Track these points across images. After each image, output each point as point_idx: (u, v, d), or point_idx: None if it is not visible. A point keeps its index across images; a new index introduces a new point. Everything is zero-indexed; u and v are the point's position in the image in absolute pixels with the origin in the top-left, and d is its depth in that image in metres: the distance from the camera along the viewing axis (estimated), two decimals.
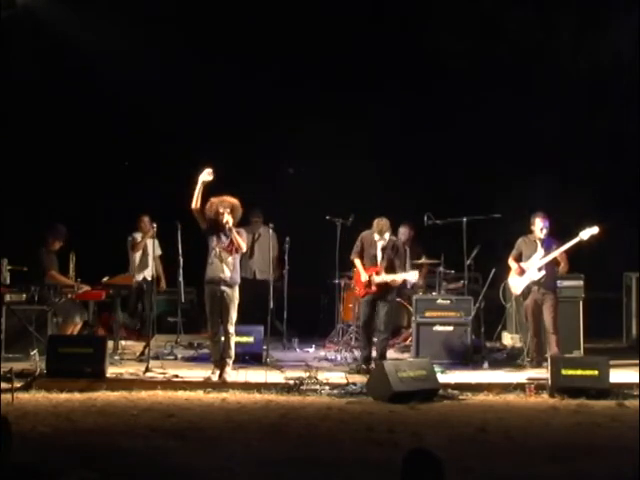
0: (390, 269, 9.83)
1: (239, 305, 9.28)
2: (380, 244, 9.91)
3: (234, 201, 9.16)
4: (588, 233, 9.73)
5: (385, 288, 9.83)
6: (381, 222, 9.85)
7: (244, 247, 9.32)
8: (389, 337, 10.10)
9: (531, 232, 10.13)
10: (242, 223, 11.46)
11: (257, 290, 11.17)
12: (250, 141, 12.80)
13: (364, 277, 9.85)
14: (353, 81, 12.61)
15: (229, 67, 12.52)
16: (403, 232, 11.44)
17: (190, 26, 12.38)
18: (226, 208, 9.06)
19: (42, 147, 12.50)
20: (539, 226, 9.99)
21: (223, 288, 9.08)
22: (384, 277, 9.78)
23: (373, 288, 9.82)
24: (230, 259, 9.11)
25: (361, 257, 9.97)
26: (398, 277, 9.83)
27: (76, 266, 10.80)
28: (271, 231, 11.37)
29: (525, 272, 10.03)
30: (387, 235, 9.86)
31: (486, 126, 12.60)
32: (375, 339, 9.96)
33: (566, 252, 9.85)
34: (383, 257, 9.88)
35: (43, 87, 12.24)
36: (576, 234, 9.78)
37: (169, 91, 12.25)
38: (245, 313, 10.69)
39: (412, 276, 9.96)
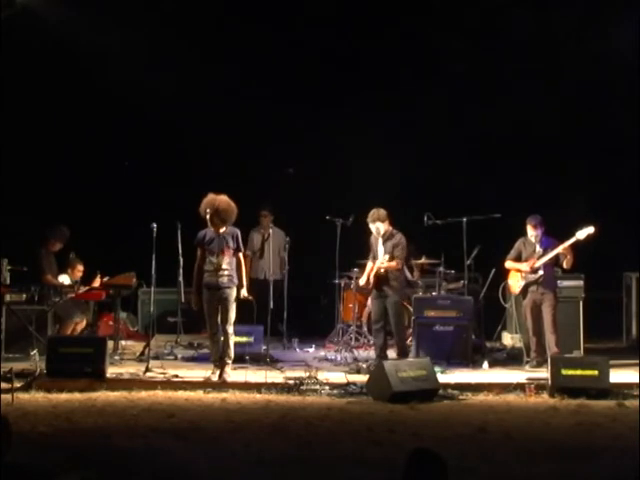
0: (390, 261, 9.89)
1: (249, 306, 9.30)
2: (380, 240, 9.96)
3: (220, 205, 9.05)
4: (584, 233, 9.73)
5: (383, 282, 9.90)
6: (372, 211, 9.95)
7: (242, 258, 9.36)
8: (404, 334, 10.12)
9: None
10: (251, 222, 11.55)
11: (265, 291, 11.12)
12: (250, 141, 12.80)
13: (362, 280, 10.12)
14: (353, 81, 12.62)
15: (229, 67, 12.54)
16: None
17: (190, 25, 12.37)
18: (207, 213, 9.02)
19: (43, 147, 12.50)
20: (530, 233, 10.02)
21: (221, 291, 9.09)
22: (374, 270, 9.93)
23: (371, 281, 9.96)
24: (224, 264, 9.11)
25: (374, 259, 10.10)
26: (377, 265, 9.88)
27: None
28: (278, 230, 11.41)
29: (523, 272, 10.04)
30: (379, 225, 9.90)
31: (486, 126, 12.60)
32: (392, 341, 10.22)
33: (571, 247, 9.85)
34: (384, 251, 9.96)
35: (43, 87, 12.24)
36: (573, 234, 9.79)
37: (169, 90, 12.24)
38: (251, 313, 10.71)
39: (385, 258, 9.90)
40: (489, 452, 6.64)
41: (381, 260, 9.87)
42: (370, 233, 10.14)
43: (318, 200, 12.09)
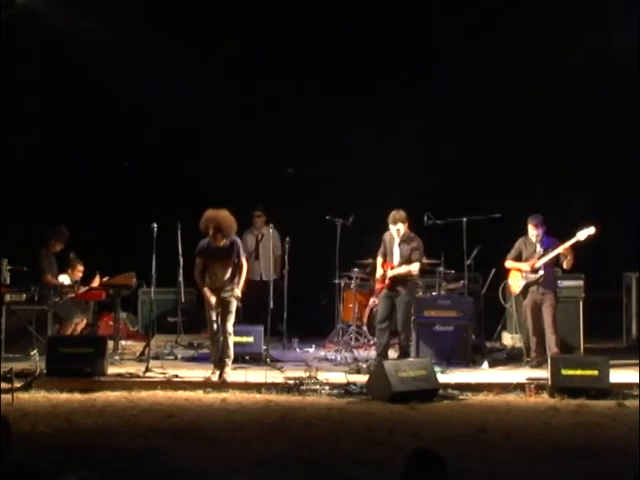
0: (407, 263, 9.92)
1: (245, 306, 9.30)
2: (397, 240, 9.98)
3: (223, 222, 9.07)
4: (585, 233, 9.74)
5: (397, 282, 9.92)
6: (393, 212, 9.96)
7: (245, 268, 9.36)
8: (410, 334, 10.12)
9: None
10: (245, 224, 11.53)
11: (264, 291, 11.13)
12: (250, 141, 12.79)
13: (379, 272, 10.09)
14: (352, 81, 12.61)
15: (229, 66, 12.53)
16: None
17: (190, 24, 12.36)
18: (210, 229, 9.01)
19: (43, 147, 12.50)
20: (531, 233, 10.03)
21: (222, 292, 9.12)
22: (394, 270, 9.92)
23: (386, 282, 9.96)
24: (227, 275, 9.15)
25: (385, 257, 10.13)
26: (402, 269, 9.90)
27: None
28: (272, 230, 11.44)
29: (524, 272, 10.05)
30: (400, 226, 9.92)
31: (486, 126, 12.60)
32: (397, 340, 10.25)
33: (572, 248, 9.86)
34: (400, 252, 9.98)
35: (43, 87, 12.24)
36: (573, 234, 9.79)
37: (169, 90, 12.24)
38: (251, 315, 10.72)
39: (414, 267, 9.97)
40: (489, 452, 6.65)
41: (409, 268, 9.88)
42: (382, 231, 10.15)
43: (318, 200, 12.09)
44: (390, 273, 9.97)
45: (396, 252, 10.04)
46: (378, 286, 10.22)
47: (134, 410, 7.91)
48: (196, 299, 11.93)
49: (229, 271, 9.17)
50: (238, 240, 9.37)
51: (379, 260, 10.20)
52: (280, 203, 12.19)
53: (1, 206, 11.11)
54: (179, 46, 12.22)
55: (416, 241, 10.03)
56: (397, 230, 9.97)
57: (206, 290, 9.15)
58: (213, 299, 9.11)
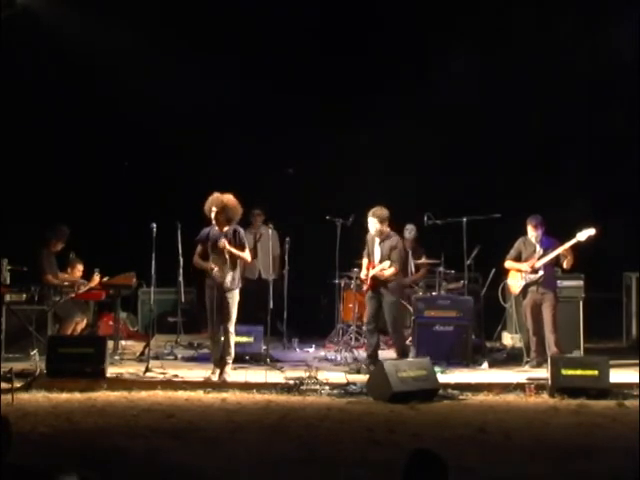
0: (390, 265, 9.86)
1: (243, 305, 9.30)
2: (377, 240, 9.94)
3: (226, 204, 9.05)
4: (585, 234, 9.74)
5: (379, 283, 9.86)
6: (374, 208, 9.86)
7: (247, 256, 9.34)
8: (401, 335, 10.09)
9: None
10: (244, 223, 11.53)
11: (262, 290, 11.15)
12: (250, 141, 12.79)
13: (362, 273, 10.06)
14: (353, 81, 12.62)
15: (229, 66, 12.53)
16: (411, 229, 11.37)
17: (189, 23, 12.37)
18: (213, 211, 8.98)
19: (42, 147, 12.50)
20: (530, 233, 10.03)
21: (223, 293, 9.11)
22: (373, 270, 9.88)
23: (369, 283, 9.92)
24: (229, 263, 9.11)
25: (368, 257, 10.09)
26: (377, 269, 9.84)
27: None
28: (271, 230, 11.44)
29: (523, 272, 10.05)
30: (373, 220, 9.81)
31: (486, 126, 12.60)
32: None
33: (572, 248, 9.86)
34: (381, 251, 9.93)
35: (43, 87, 12.25)
36: (574, 235, 9.80)
37: (169, 90, 12.24)
38: (249, 313, 10.73)
39: (386, 265, 9.85)
40: (489, 452, 6.65)
41: (382, 267, 9.81)
42: (367, 231, 10.14)
43: (318, 200, 12.09)
44: (370, 273, 9.93)
45: (377, 252, 9.96)
46: (365, 288, 10.16)
47: (134, 410, 7.91)
48: (196, 299, 11.97)
49: (229, 259, 9.09)
50: (241, 230, 9.33)
51: (364, 261, 10.14)
52: (280, 203, 12.20)
53: (1, 206, 11.11)
54: (179, 46, 12.22)
55: (394, 240, 9.91)
56: (372, 224, 9.86)
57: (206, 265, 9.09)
58: (214, 267, 9.03)
